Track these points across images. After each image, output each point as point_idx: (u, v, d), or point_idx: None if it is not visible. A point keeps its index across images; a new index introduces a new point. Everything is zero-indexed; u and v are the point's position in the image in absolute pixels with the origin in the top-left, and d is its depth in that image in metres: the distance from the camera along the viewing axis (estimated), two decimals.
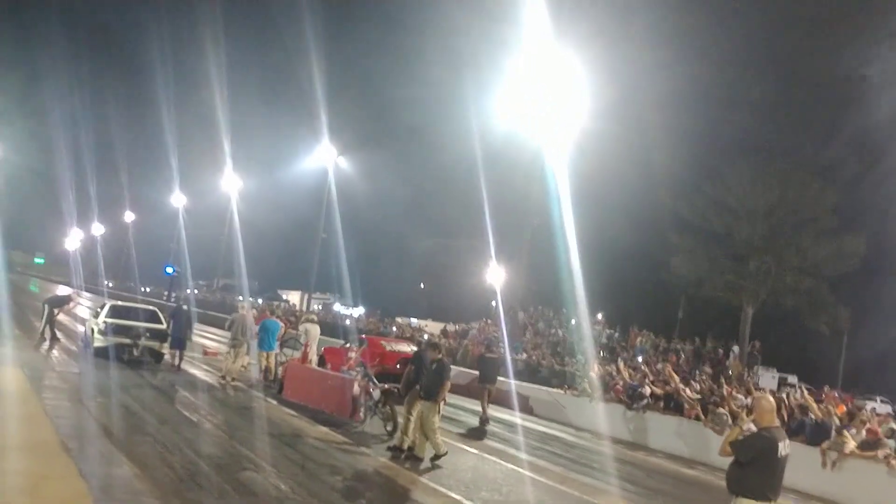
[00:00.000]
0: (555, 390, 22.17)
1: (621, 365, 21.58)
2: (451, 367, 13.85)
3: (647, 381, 19.14)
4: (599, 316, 32.45)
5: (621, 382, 19.69)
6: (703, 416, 16.77)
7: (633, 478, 13.45)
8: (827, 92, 33.49)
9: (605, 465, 14.31)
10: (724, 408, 16.11)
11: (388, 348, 20.99)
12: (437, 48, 39.42)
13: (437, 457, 11.58)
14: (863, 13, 29.83)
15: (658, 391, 18.55)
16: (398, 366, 17.96)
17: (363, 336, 23.81)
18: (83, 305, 29.59)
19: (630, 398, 18.72)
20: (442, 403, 12.15)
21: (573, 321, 27.98)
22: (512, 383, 22.04)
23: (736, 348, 27.38)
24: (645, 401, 18.40)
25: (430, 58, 40.28)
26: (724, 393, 17.37)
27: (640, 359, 24.54)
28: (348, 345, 21.00)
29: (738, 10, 32.77)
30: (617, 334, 29.57)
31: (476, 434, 16.04)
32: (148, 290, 61.98)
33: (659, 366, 21.73)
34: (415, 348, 17.21)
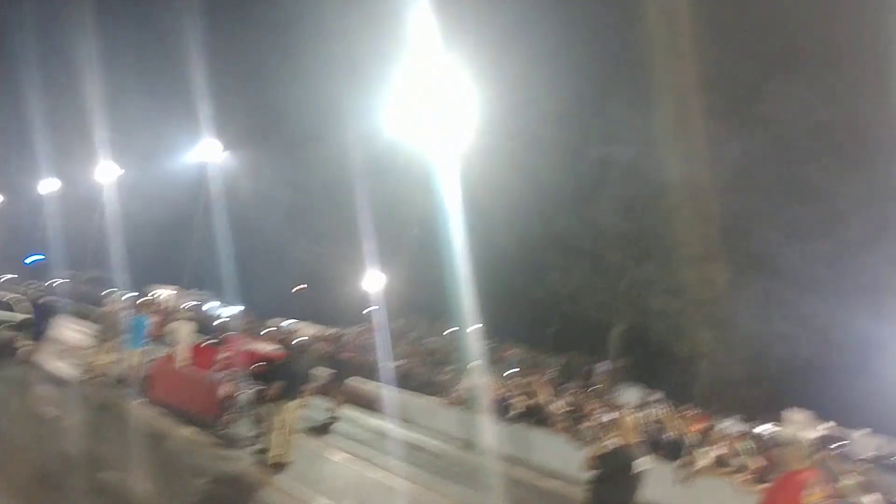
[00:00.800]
0: (429, 398, 22.33)
1: (493, 377, 21.96)
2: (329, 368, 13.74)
3: (516, 393, 19.55)
4: (476, 327, 32.83)
5: (492, 394, 20.03)
6: (567, 432, 17.25)
7: (496, 488, 13.69)
8: None
9: (470, 475, 14.50)
10: (589, 423, 16.62)
11: (247, 348, 20.57)
12: (327, 53, 39.21)
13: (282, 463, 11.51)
14: None
15: (523, 404, 18.97)
16: (266, 367, 17.69)
17: (223, 335, 23.20)
18: None
19: (500, 410, 19.06)
20: (304, 405, 12.09)
21: (449, 331, 28.28)
22: (385, 389, 22.04)
23: (604, 365, 28.25)
24: (513, 413, 18.78)
25: (319, 62, 40.01)
26: (589, 408, 17.93)
27: (512, 371, 25.01)
28: (207, 343, 20.48)
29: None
30: (492, 346, 30.01)
31: (344, 438, 15.99)
32: (9, 277, 58.85)
33: (528, 379, 22.23)
34: (277, 348, 17.01)
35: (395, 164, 31.00)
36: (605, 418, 16.54)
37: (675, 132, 31.43)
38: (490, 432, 18.93)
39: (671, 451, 15.22)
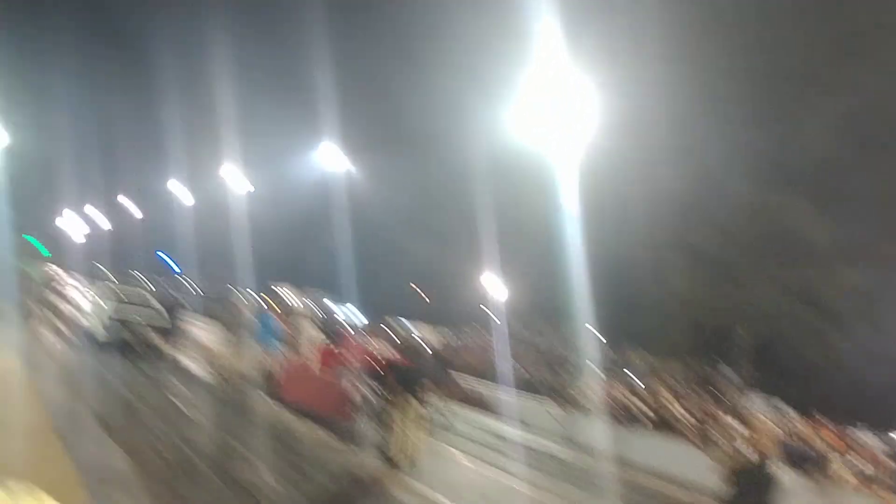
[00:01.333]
0: (551, 404, 22.13)
1: (617, 383, 21.58)
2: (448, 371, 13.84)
3: (643, 401, 19.15)
4: (597, 333, 32.41)
5: (618, 401, 19.69)
6: (697, 439, 16.77)
7: (626, 497, 13.43)
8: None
9: (590, 479, 14.28)
10: (720, 432, 16.09)
11: (368, 348, 20.90)
12: (448, 56, 39.38)
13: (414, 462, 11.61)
14: None
15: (651, 412, 18.55)
16: (388, 367, 17.96)
17: (342, 333, 23.61)
18: (86, 296, 29.52)
19: (626, 418, 18.71)
20: (425, 405, 12.17)
21: (571, 337, 27.95)
22: (506, 392, 22.01)
23: (730, 372, 27.34)
24: (641, 421, 18.40)
25: (439, 65, 40.22)
26: (720, 417, 17.36)
27: (636, 378, 24.53)
28: (331, 343, 20.92)
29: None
30: (613, 352, 29.53)
31: (470, 441, 16.02)
32: (148, 281, 61.86)
33: (655, 386, 21.72)
34: (393, 349, 17.24)
35: (515, 166, 30.81)
36: (735, 427, 15.96)
37: (809, 131, 30.11)
38: (609, 436, 18.62)
39: (809, 463, 14.58)
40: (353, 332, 24.10)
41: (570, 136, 24.19)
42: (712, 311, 33.93)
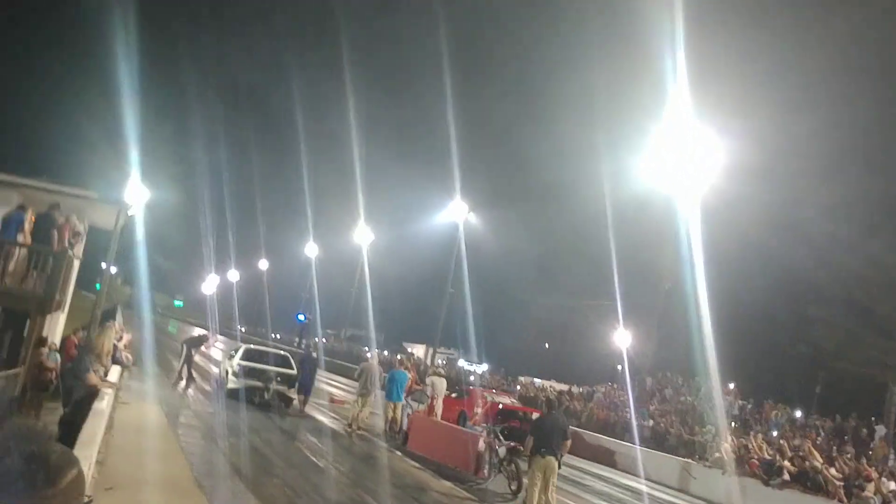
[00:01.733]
0: (684, 460, 21.27)
1: (757, 438, 20.51)
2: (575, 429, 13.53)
3: (784, 457, 18.11)
4: (731, 385, 31.16)
5: (756, 457, 18.69)
6: (845, 499, 15.70)
7: None
8: None
9: None
10: (870, 492, 15.05)
11: (491, 400, 20.75)
12: (570, 107, 39.53)
13: None
14: None
15: (793, 469, 17.50)
16: (520, 423, 17.77)
17: (472, 390, 23.56)
18: (217, 347, 30.70)
19: (766, 474, 17.73)
20: (559, 461, 11.85)
21: (703, 389, 26.97)
22: (637, 449, 21.33)
23: (881, 428, 25.61)
24: (782, 478, 17.38)
25: (563, 117, 40.41)
26: (872, 476, 16.22)
27: (775, 433, 23.31)
28: (461, 398, 20.92)
29: None
30: (750, 406, 28.24)
31: (598, 497, 15.54)
32: (278, 336, 63.80)
33: (797, 441, 20.53)
34: (515, 401, 17.11)
35: (642, 217, 30.37)
36: (891, 487, 14.90)
37: None
38: (755, 498, 17.67)
39: None
40: (482, 389, 24.04)
41: (701, 183, 23.67)
42: (861, 365, 32.09)
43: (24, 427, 1.84)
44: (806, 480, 17.18)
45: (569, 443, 11.84)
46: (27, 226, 15.61)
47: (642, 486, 18.28)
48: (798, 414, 27.93)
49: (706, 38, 24.73)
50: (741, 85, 28.65)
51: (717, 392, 24.74)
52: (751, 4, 31.89)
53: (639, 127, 26.61)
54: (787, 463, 17.64)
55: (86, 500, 1.69)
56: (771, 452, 18.83)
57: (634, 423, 23.91)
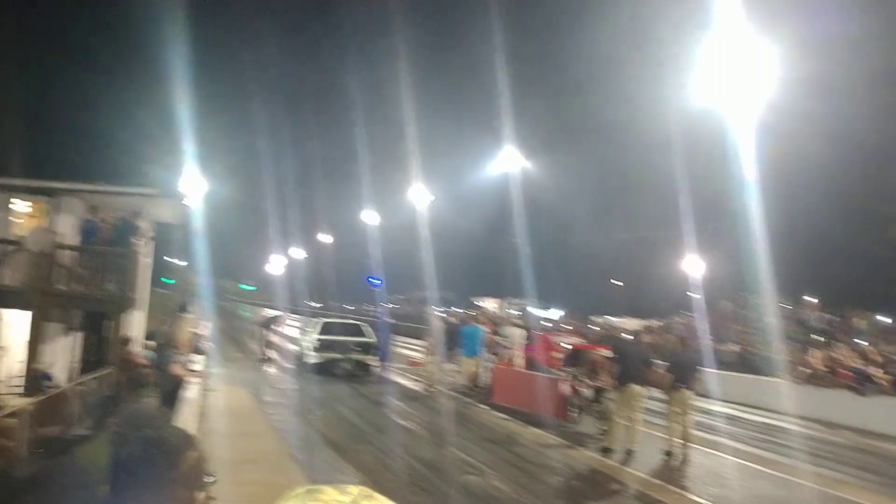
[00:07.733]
0: (772, 379, 20.90)
1: (844, 348, 20.03)
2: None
3: (874, 364, 17.66)
4: (812, 299, 30.43)
5: (846, 368, 18.27)
6: None
7: (871, 467, 12.38)
8: None
9: (837, 454, 13.29)
10: None
11: (558, 342, 20.59)
12: (618, 34, 38.64)
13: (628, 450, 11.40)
14: None
15: (885, 377, 17.03)
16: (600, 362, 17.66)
17: (549, 336, 23.41)
18: (292, 325, 31.16)
19: (858, 383, 17.31)
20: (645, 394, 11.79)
21: (782, 306, 26.38)
22: (717, 374, 21.03)
23: None
24: (874, 384, 16.97)
25: (612, 47, 39.53)
26: None
27: (865, 343, 22.72)
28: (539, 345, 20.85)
29: None
30: (834, 317, 27.56)
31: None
32: (349, 306, 64.47)
33: (887, 347, 19.99)
34: (582, 340, 17.04)
35: (702, 141, 29.58)
36: None
37: None
38: (850, 408, 17.28)
39: None
40: (549, 333, 23.89)
41: (756, 99, 22.86)
42: None
43: (139, 413, 1.83)
44: None
45: (649, 375, 11.83)
46: (104, 233, 16.07)
47: (731, 410, 18.00)
48: (885, 320, 27.11)
49: None
50: None
51: (795, 306, 24.20)
52: None
53: (687, 47, 25.81)
54: (878, 371, 17.18)
55: (211, 479, 1.72)
56: (860, 362, 18.37)
57: (716, 348, 23.55)
